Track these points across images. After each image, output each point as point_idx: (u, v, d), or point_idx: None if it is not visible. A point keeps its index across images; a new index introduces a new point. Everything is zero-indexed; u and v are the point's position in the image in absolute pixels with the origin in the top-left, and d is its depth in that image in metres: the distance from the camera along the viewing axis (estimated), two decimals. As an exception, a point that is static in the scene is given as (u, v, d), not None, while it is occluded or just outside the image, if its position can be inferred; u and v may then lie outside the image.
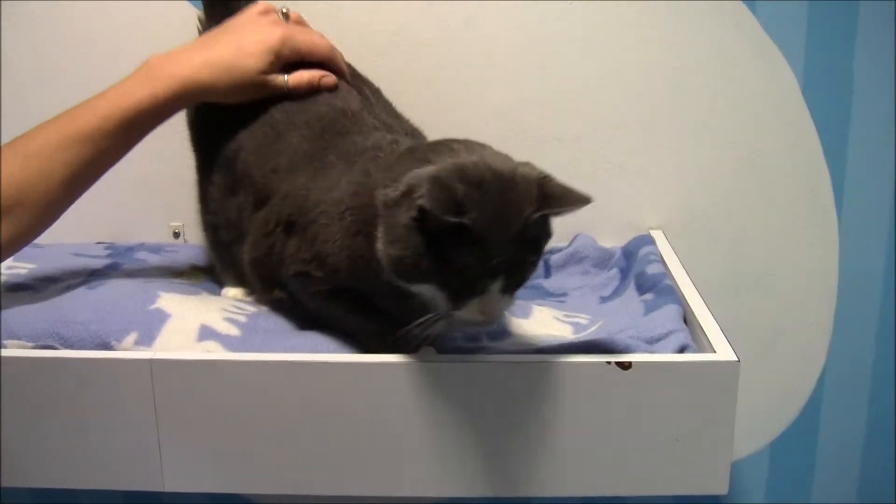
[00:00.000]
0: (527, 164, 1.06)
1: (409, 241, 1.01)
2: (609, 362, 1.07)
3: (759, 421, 1.81)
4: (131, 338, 1.15)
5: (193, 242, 1.65)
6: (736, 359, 1.10)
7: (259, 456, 1.11)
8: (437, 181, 0.98)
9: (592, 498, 1.15)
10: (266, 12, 1.30)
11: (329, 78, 1.30)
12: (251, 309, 1.26)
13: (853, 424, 1.82)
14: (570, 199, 1.03)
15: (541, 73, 1.62)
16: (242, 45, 1.26)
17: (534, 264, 1.06)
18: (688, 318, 1.26)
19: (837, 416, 1.81)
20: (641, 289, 1.40)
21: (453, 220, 0.96)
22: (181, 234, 1.67)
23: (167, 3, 1.61)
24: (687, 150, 1.65)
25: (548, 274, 1.55)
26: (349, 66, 1.41)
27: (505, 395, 1.08)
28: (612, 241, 1.64)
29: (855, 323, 1.76)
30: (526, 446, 1.10)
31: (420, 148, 1.11)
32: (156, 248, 1.59)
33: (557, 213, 1.04)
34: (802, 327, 1.76)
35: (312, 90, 1.29)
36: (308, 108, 1.29)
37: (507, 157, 1.07)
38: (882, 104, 1.64)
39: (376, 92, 1.41)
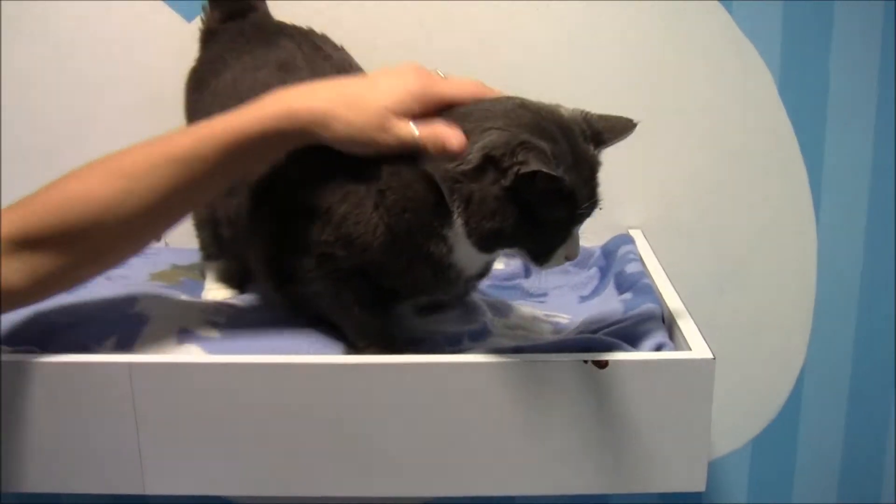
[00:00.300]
0: (559, 105, 1.12)
1: (504, 212, 1.02)
2: (586, 361, 1.08)
3: (740, 419, 1.82)
4: (111, 342, 1.16)
5: (175, 245, 1.65)
6: (711, 356, 1.10)
7: (240, 458, 1.11)
8: (528, 145, 1.00)
9: (573, 496, 1.15)
10: (417, 67, 1.13)
11: (457, 143, 1.05)
12: (231, 311, 1.27)
13: (834, 421, 1.83)
14: (620, 128, 1.13)
15: (517, 73, 1.61)
16: (376, 84, 1.09)
17: (598, 201, 1.10)
18: (665, 317, 1.27)
19: (818, 413, 1.82)
20: (620, 288, 1.41)
21: (558, 176, 0.99)
22: (162, 236, 1.67)
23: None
24: (665, 149, 1.67)
25: (527, 273, 1.56)
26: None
27: (483, 395, 1.09)
28: (591, 240, 1.63)
29: (834, 320, 1.77)
30: (505, 445, 1.10)
31: (458, 114, 1.09)
32: (137, 251, 1.58)
33: (612, 144, 1.12)
34: (782, 325, 1.77)
35: (438, 152, 1.06)
36: None
37: (541, 103, 1.11)
38: (858, 102, 1.66)
39: None
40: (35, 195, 1.06)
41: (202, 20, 1.51)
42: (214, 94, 1.35)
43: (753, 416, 1.83)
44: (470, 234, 1.05)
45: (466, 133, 1.04)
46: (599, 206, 1.10)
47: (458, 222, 1.06)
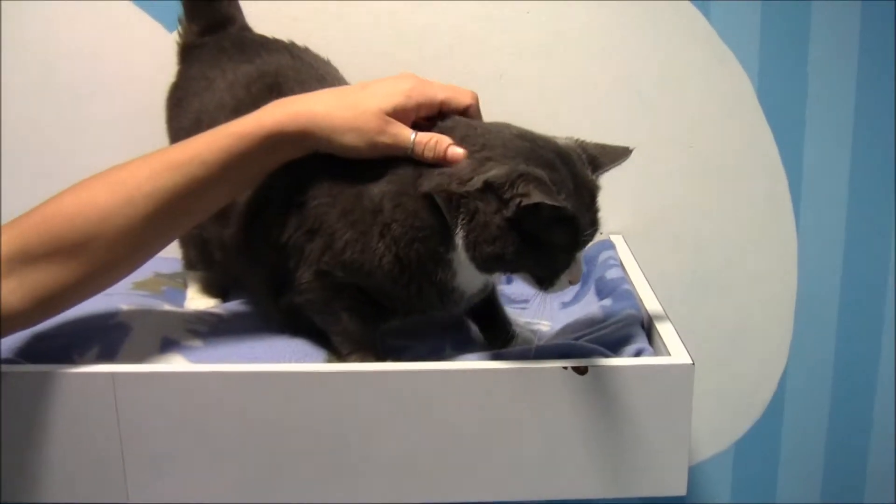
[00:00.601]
0: (555, 137, 1.15)
1: (505, 240, 1.05)
2: (566, 367, 1.08)
3: (723, 422, 1.83)
4: (93, 352, 1.16)
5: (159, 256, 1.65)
6: (691, 362, 1.11)
7: (223, 466, 1.12)
8: (528, 177, 1.02)
9: (554, 502, 1.16)
10: (412, 74, 1.17)
11: (455, 153, 1.09)
12: (213, 320, 1.27)
13: (816, 423, 1.85)
14: (616, 154, 1.17)
15: (499, 81, 1.64)
16: (373, 89, 1.11)
17: (599, 226, 1.14)
18: (645, 322, 1.28)
19: (800, 416, 1.84)
20: (601, 293, 1.42)
21: (560, 205, 1.01)
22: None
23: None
24: (645, 155, 1.66)
25: (509, 280, 1.57)
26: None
27: (464, 402, 1.10)
28: (573, 246, 1.65)
29: (815, 323, 1.79)
30: (487, 452, 1.11)
31: (457, 137, 1.11)
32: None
33: (608, 169, 1.15)
34: (764, 328, 1.79)
35: (436, 160, 1.10)
36: None
37: (536, 133, 1.14)
38: (836, 106, 1.68)
39: None
40: (32, 212, 1.06)
41: (179, 34, 1.51)
42: (201, 111, 1.35)
43: (736, 420, 1.84)
44: (472, 257, 1.08)
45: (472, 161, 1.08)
46: (600, 231, 1.13)
47: (460, 245, 1.08)
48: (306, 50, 1.44)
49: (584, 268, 1.13)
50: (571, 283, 1.11)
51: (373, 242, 1.12)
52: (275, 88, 1.30)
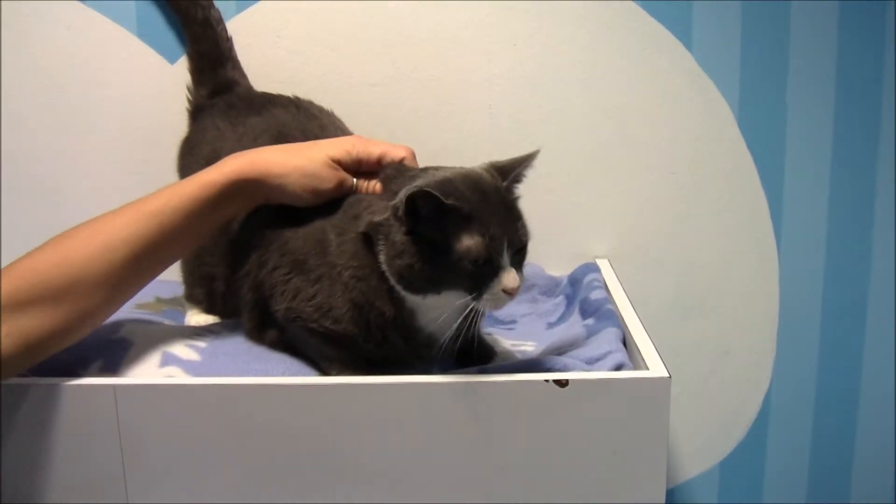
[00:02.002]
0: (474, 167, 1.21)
1: (411, 250, 1.12)
2: (547, 380, 1.12)
3: (708, 441, 1.86)
4: (96, 365, 1.20)
5: (159, 279, 1.69)
6: (667, 375, 1.14)
7: (220, 475, 1.15)
8: (413, 187, 1.10)
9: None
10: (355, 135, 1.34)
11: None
12: (212, 336, 1.31)
13: (800, 442, 1.88)
14: (521, 160, 1.21)
15: (489, 111, 1.69)
16: (318, 143, 1.27)
17: (525, 234, 1.17)
18: (626, 341, 1.32)
19: (784, 434, 1.87)
20: (585, 314, 1.46)
21: (433, 192, 1.07)
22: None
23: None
24: (630, 181, 1.73)
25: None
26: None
27: (448, 414, 1.13)
28: (560, 269, 1.69)
29: (797, 344, 1.82)
30: (469, 462, 1.15)
31: (392, 181, 1.22)
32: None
33: (519, 175, 1.20)
34: (747, 349, 1.82)
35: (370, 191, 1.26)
36: None
37: (453, 166, 1.22)
38: (815, 133, 1.73)
39: None
40: (19, 261, 1.11)
41: (188, 99, 1.60)
42: (211, 156, 1.40)
43: (721, 439, 1.87)
44: (391, 277, 1.14)
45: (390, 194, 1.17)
46: (524, 237, 1.17)
47: None
48: (310, 103, 1.52)
49: (517, 280, 1.13)
50: (506, 293, 1.13)
51: (337, 292, 1.20)
52: (280, 138, 1.37)
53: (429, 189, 1.07)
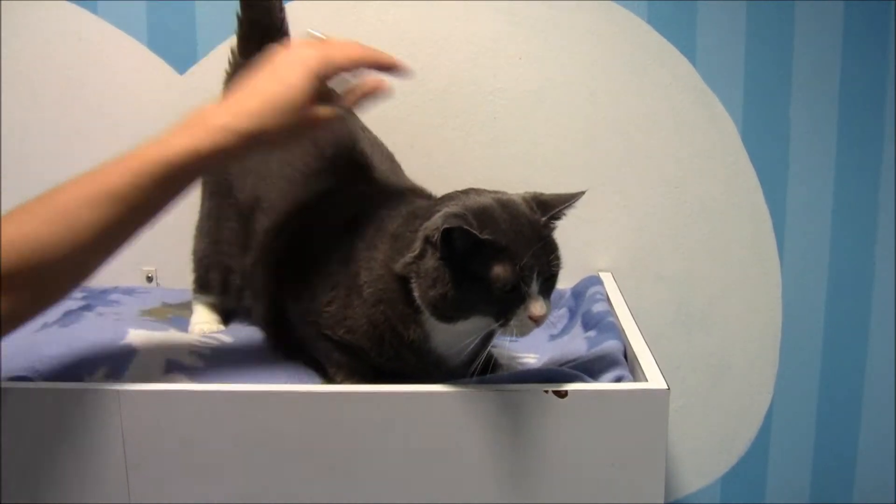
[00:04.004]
0: (511, 193, 1.20)
1: (443, 279, 1.10)
2: (547, 391, 1.13)
3: (710, 455, 1.87)
4: (102, 372, 1.21)
5: (165, 286, 1.71)
6: (666, 387, 1.15)
7: (222, 481, 1.16)
8: (447, 214, 1.09)
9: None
10: (309, 45, 1.17)
11: (380, 83, 1.18)
12: (216, 343, 1.33)
13: (801, 457, 1.88)
14: (565, 198, 1.19)
15: (493, 123, 1.70)
16: (280, 76, 1.12)
17: (556, 264, 1.16)
18: (627, 352, 1.33)
19: (786, 449, 1.87)
20: (587, 326, 1.47)
21: (470, 230, 1.07)
22: (154, 278, 1.73)
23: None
24: (633, 195, 1.74)
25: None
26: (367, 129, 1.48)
27: (448, 423, 1.14)
28: (563, 282, 1.67)
29: (799, 358, 1.83)
30: (468, 471, 1.16)
31: (421, 208, 1.21)
32: (129, 291, 1.64)
33: (560, 213, 1.17)
34: (749, 363, 1.83)
35: (368, 99, 1.19)
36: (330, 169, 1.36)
37: (497, 191, 1.20)
38: (818, 148, 1.74)
39: (390, 157, 1.48)
40: None
41: (229, 63, 1.55)
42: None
43: (723, 453, 1.87)
44: (425, 307, 1.14)
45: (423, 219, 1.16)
46: (555, 268, 1.16)
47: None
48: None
49: (545, 309, 1.13)
50: (533, 320, 1.13)
51: (353, 303, 1.20)
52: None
53: (465, 226, 1.07)
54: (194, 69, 1.67)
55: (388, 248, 1.18)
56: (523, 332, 1.14)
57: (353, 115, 1.47)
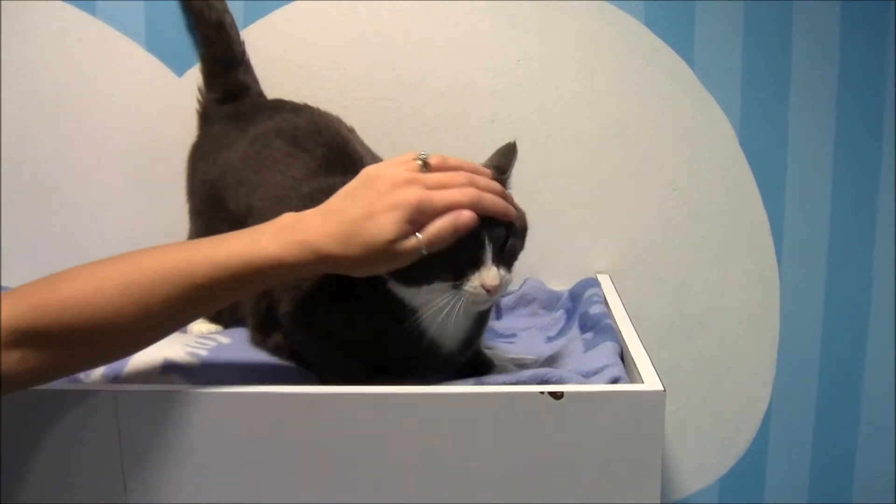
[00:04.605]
0: None
1: None
2: (542, 392, 1.13)
3: (708, 457, 1.87)
4: (99, 371, 1.22)
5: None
6: (662, 389, 1.15)
7: (220, 482, 1.16)
8: None
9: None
10: (403, 163, 1.14)
11: (465, 216, 1.10)
12: (213, 344, 1.33)
13: (799, 459, 1.88)
14: (504, 150, 1.25)
15: (491, 125, 1.70)
16: (374, 213, 1.08)
17: (512, 237, 1.16)
18: (623, 354, 1.33)
19: (784, 452, 1.87)
20: (584, 328, 1.47)
21: None
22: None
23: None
24: (631, 198, 1.74)
25: (499, 316, 1.62)
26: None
27: (443, 424, 1.15)
28: (560, 284, 1.70)
29: (797, 361, 1.83)
30: (463, 472, 1.16)
31: None
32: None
33: (507, 165, 1.22)
34: (747, 366, 1.83)
35: (454, 238, 1.11)
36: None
37: None
38: (816, 151, 1.74)
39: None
40: (41, 286, 1.06)
41: (199, 101, 1.62)
42: (227, 165, 1.46)
43: (721, 456, 1.87)
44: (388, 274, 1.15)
45: None
46: (503, 233, 1.15)
47: None
48: (318, 111, 1.53)
49: (497, 279, 1.12)
50: (485, 288, 1.12)
51: (339, 290, 1.21)
52: (295, 141, 1.41)
53: None
54: (193, 72, 1.67)
55: None
56: (476, 301, 1.14)
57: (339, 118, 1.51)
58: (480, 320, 1.23)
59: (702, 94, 1.70)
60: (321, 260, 1.09)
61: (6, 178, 1.69)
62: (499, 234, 1.15)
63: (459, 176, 1.14)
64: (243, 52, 1.64)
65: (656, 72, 1.70)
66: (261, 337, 1.33)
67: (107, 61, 1.68)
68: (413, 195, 1.09)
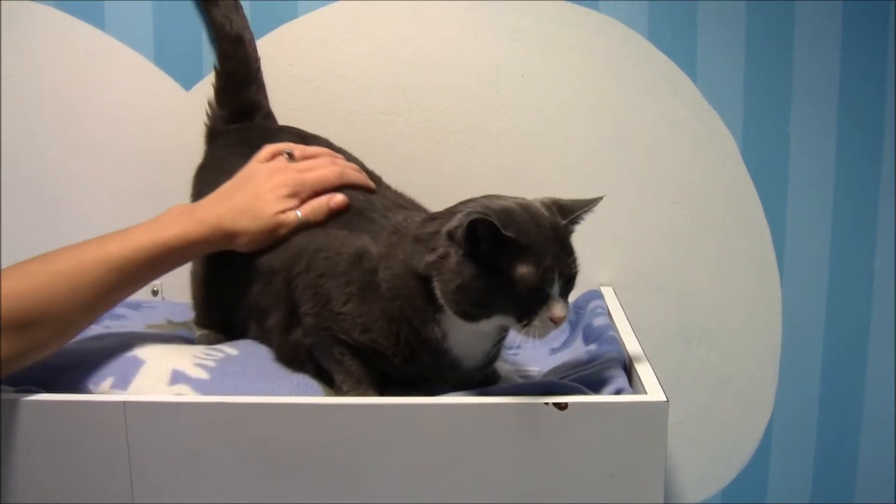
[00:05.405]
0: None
1: (464, 271, 1.13)
2: (547, 403, 1.14)
3: (710, 468, 1.87)
4: (108, 382, 1.23)
5: (171, 300, 1.72)
6: (665, 399, 1.16)
7: (227, 493, 1.17)
8: (474, 213, 1.11)
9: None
10: (271, 157, 1.39)
11: (338, 199, 1.35)
12: (220, 355, 1.34)
13: (801, 469, 1.88)
14: (584, 203, 1.23)
15: (496, 139, 1.72)
16: (260, 194, 1.33)
17: (575, 267, 1.20)
18: (626, 366, 1.34)
19: (786, 462, 1.87)
20: (587, 339, 1.48)
21: (495, 223, 1.09)
22: (159, 291, 1.74)
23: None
24: (634, 210, 1.75)
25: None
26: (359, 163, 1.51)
27: (448, 435, 1.15)
28: (564, 296, 1.71)
29: (799, 371, 1.83)
30: (467, 482, 1.17)
31: (439, 213, 1.24)
32: (135, 305, 1.65)
33: (579, 216, 1.22)
34: (749, 377, 1.83)
35: (327, 215, 1.34)
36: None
37: (508, 195, 1.23)
38: (818, 164, 1.75)
39: (378, 179, 1.50)
40: None
41: (207, 116, 1.63)
42: None
43: (723, 467, 1.87)
44: (446, 300, 1.16)
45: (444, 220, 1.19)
46: (574, 269, 1.20)
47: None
48: (314, 136, 1.55)
49: (565, 310, 1.16)
50: (553, 322, 1.15)
51: (366, 295, 1.23)
52: None
53: (490, 218, 1.09)
54: (200, 86, 1.69)
55: (408, 249, 1.20)
56: (543, 334, 1.16)
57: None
58: (502, 339, 1.25)
59: (704, 108, 1.72)
60: (219, 234, 1.31)
61: (13, 189, 1.71)
62: (567, 269, 1.18)
63: (324, 158, 1.41)
64: (258, 70, 1.65)
65: (659, 85, 1.71)
66: (283, 331, 1.34)
67: (115, 75, 1.69)
68: (289, 177, 1.35)
